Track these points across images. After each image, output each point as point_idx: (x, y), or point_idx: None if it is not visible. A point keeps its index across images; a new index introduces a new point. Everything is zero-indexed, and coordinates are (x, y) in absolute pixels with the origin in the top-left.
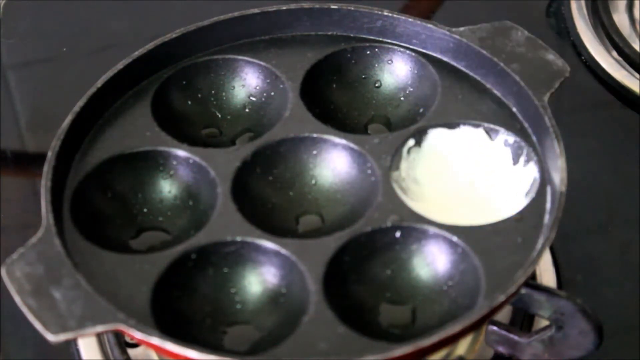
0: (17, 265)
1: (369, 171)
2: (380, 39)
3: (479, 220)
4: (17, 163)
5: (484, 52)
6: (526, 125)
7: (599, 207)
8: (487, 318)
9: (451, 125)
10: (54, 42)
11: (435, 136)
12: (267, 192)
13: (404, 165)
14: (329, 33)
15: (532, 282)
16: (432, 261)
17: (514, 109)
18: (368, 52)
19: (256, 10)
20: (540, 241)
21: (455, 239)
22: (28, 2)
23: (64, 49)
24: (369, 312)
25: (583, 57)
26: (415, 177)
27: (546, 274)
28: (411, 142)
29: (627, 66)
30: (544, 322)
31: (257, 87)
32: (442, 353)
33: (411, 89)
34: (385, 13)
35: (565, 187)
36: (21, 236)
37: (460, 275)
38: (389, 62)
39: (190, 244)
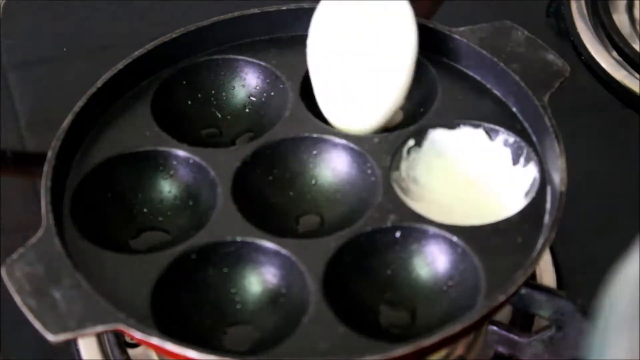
0: (17, 265)
1: (369, 171)
2: None
3: (479, 220)
4: (17, 163)
5: (484, 52)
6: (526, 125)
7: (599, 207)
8: (487, 318)
9: (451, 125)
10: (54, 42)
11: (435, 136)
12: (267, 192)
13: (404, 165)
14: None
15: (532, 282)
16: (432, 261)
17: (514, 109)
18: None
19: (256, 10)
20: (540, 241)
21: (455, 239)
22: (28, 2)
23: (64, 49)
24: (369, 312)
25: (583, 57)
26: (415, 177)
27: (546, 274)
28: (411, 142)
29: (627, 66)
30: (544, 322)
31: (257, 87)
32: (442, 353)
33: (411, 89)
34: None
35: (565, 187)
36: (21, 236)
37: (460, 275)
38: None
39: (190, 244)
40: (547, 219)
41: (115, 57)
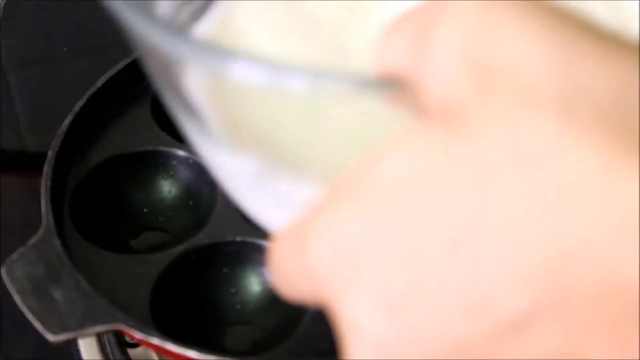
0: (17, 265)
1: None
2: None
3: None
4: (17, 163)
5: None
6: None
7: None
8: None
9: None
10: (54, 42)
11: None
12: None
13: None
14: None
15: None
16: None
17: None
18: None
19: None
20: None
21: None
22: (28, 2)
23: (64, 49)
24: None
25: None
26: None
27: None
28: None
29: None
30: None
31: None
32: None
33: None
34: None
35: None
36: (21, 236)
37: None
38: None
39: (190, 244)
40: None
41: (115, 57)
